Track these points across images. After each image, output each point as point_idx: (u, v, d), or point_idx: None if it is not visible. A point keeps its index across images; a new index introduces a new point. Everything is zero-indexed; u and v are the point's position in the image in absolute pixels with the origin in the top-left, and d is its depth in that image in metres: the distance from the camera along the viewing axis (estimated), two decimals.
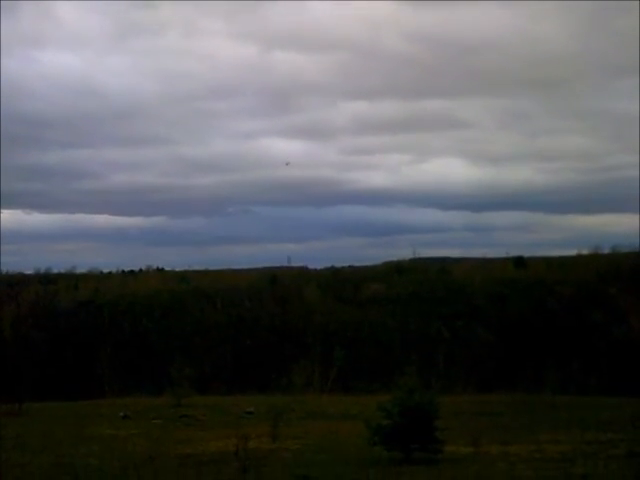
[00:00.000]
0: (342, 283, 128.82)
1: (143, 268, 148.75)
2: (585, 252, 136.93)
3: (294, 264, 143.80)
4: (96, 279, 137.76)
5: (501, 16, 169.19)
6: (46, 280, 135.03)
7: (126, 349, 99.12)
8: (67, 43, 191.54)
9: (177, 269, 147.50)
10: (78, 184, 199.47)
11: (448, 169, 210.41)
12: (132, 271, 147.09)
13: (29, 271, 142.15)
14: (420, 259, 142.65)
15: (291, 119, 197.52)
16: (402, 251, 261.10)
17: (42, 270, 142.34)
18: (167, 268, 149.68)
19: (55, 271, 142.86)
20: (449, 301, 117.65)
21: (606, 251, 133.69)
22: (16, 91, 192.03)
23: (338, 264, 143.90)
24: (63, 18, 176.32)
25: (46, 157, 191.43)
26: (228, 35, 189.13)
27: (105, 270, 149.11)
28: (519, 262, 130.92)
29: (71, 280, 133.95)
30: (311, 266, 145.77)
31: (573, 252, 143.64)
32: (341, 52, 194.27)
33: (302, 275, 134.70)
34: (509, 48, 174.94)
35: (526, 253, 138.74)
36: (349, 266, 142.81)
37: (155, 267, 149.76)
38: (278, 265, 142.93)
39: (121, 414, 31.98)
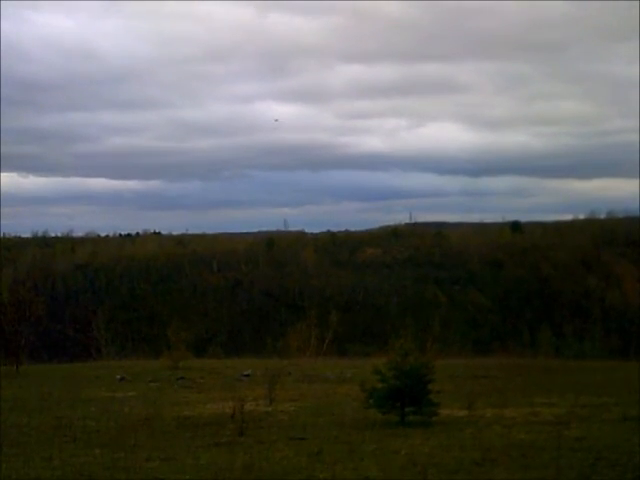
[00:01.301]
0: (339, 247, 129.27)
1: (140, 232, 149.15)
2: (581, 217, 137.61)
3: (291, 228, 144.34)
4: (93, 242, 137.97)
5: None
6: (43, 243, 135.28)
7: (123, 312, 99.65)
8: (62, 4, 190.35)
9: (174, 233, 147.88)
10: (74, 147, 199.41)
11: (445, 134, 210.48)
12: (129, 235, 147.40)
13: (26, 234, 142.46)
14: (416, 224, 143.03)
15: (287, 82, 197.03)
16: (399, 216, 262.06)
17: (39, 233, 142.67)
18: (164, 232, 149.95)
19: (52, 234, 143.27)
20: (445, 266, 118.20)
21: (602, 216, 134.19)
22: (11, 53, 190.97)
23: (335, 228, 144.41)
24: None
25: (42, 120, 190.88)
26: None
27: (102, 233, 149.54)
28: (515, 227, 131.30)
29: (68, 243, 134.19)
30: (308, 230, 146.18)
31: (569, 217, 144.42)
32: (338, 15, 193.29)
33: (299, 239, 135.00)
34: (507, 12, 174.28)
35: (522, 218, 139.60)
36: (345, 230, 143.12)
37: (152, 231, 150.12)
38: (275, 229, 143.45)
39: (118, 376, 32.13)
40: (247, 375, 32.10)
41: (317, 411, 21.61)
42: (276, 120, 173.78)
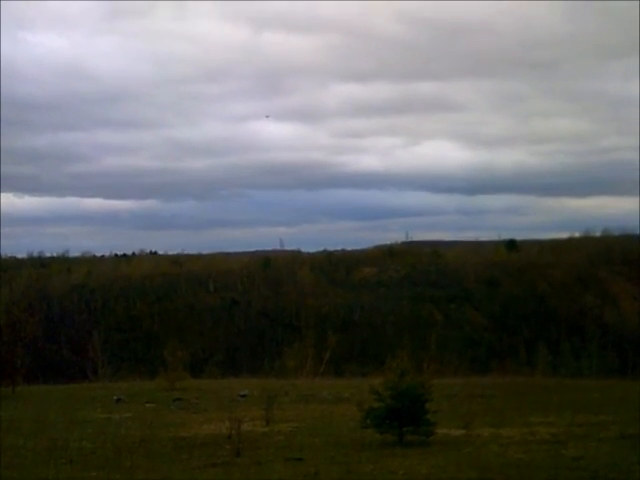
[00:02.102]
0: (335, 267, 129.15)
1: (136, 252, 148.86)
2: (577, 235, 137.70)
3: (287, 248, 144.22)
4: (89, 263, 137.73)
5: None
6: (39, 264, 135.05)
7: (119, 332, 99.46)
8: (56, 24, 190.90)
9: (170, 253, 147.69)
10: (69, 167, 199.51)
11: (440, 152, 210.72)
12: (125, 255, 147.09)
13: (22, 255, 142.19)
14: (412, 242, 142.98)
15: (283, 101, 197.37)
16: (394, 234, 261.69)
17: (35, 254, 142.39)
18: (160, 252, 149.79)
19: (48, 255, 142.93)
20: (441, 284, 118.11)
21: (598, 234, 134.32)
22: (5, 73, 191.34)
23: (331, 247, 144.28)
24: None
25: (37, 140, 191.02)
26: (219, 16, 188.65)
27: (98, 254, 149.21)
28: (511, 245, 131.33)
29: (64, 264, 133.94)
30: (304, 249, 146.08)
31: (565, 235, 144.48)
32: (333, 34, 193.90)
33: (295, 259, 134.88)
34: (502, 29, 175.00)
35: (518, 236, 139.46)
36: (342, 249, 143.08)
37: (148, 251, 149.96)
38: (271, 249, 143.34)
39: (114, 397, 32.05)
40: (244, 395, 32.03)
41: (314, 431, 21.57)
42: (267, 116, 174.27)
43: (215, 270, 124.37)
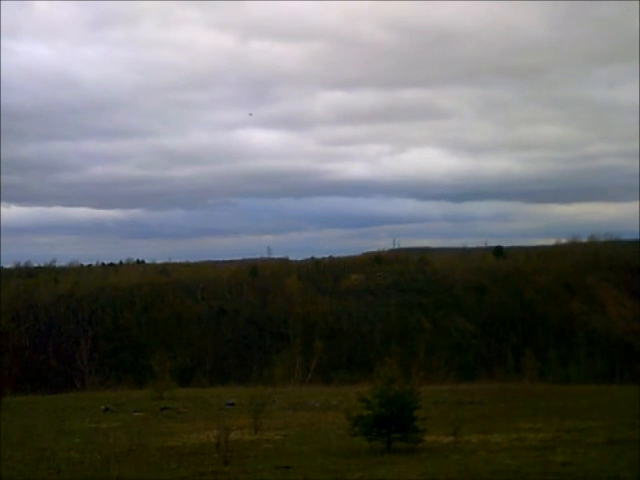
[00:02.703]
0: (322, 274, 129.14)
1: (123, 261, 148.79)
2: (563, 241, 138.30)
3: (274, 255, 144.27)
4: (76, 272, 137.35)
5: (479, 5, 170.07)
6: (26, 273, 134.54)
7: (107, 342, 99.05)
8: (42, 33, 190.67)
9: (157, 261, 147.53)
10: (56, 177, 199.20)
11: (427, 159, 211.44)
12: (112, 264, 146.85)
13: (9, 265, 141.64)
14: (400, 249, 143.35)
15: (269, 109, 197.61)
16: (382, 242, 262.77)
17: (22, 264, 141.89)
18: (147, 261, 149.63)
19: (35, 264, 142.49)
20: (429, 291, 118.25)
21: (584, 240, 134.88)
22: None
23: (318, 255, 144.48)
24: (38, 8, 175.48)
25: (23, 149, 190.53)
26: (205, 24, 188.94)
27: (85, 263, 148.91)
28: (498, 252, 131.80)
29: (51, 273, 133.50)
30: (292, 257, 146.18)
31: (551, 241, 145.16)
32: (319, 41, 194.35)
33: (283, 267, 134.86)
34: (487, 36, 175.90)
35: (505, 243, 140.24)
36: (329, 257, 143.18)
37: (135, 260, 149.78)
38: (259, 257, 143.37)
39: (102, 407, 31.96)
40: (232, 404, 31.99)
41: (302, 439, 21.55)
42: (250, 114, 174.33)
43: (203, 279, 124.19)
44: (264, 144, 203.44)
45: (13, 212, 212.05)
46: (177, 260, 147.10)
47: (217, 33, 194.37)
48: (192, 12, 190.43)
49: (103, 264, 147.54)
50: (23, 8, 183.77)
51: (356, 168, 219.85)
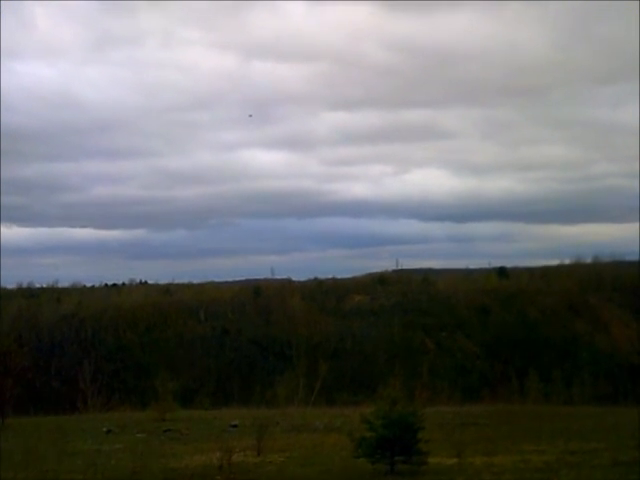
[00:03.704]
0: (325, 295, 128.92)
1: (126, 282, 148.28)
2: (567, 262, 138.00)
3: (277, 276, 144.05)
4: (79, 293, 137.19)
5: (481, 25, 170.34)
6: (28, 294, 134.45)
7: (109, 363, 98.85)
8: (44, 53, 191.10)
9: (160, 282, 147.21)
10: (59, 197, 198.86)
11: (430, 180, 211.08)
12: (115, 285, 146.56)
13: (11, 285, 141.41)
14: (403, 270, 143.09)
15: (272, 130, 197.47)
16: (385, 262, 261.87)
17: (24, 284, 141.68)
18: (150, 281, 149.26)
19: (38, 285, 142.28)
20: (432, 312, 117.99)
21: (588, 261, 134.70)
22: None
23: (321, 276, 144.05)
24: (39, 28, 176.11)
25: (26, 170, 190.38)
26: (207, 45, 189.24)
27: (88, 284, 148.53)
28: (502, 272, 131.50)
29: (53, 294, 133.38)
30: (295, 278, 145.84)
31: (555, 262, 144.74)
32: (321, 62, 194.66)
33: (285, 287, 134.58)
34: (490, 57, 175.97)
35: (508, 263, 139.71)
36: (332, 278, 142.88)
37: (138, 280, 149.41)
38: (261, 277, 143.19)
39: (104, 429, 31.86)
40: (235, 425, 31.87)
41: (306, 461, 21.45)
42: (250, 115, 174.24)
43: (205, 299, 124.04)
44: (267, 164, 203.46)
45: (15, 233, 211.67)
46: (180, 280, 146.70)
47: (219, 54, 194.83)
48: (194, 33, 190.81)
49: (106, 285, 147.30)
50: (25, 28, 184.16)
51: (359, 188, 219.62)
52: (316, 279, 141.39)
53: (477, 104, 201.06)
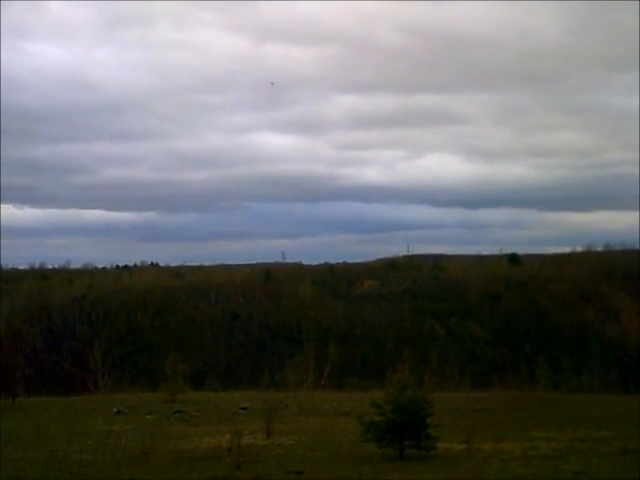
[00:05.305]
0: (336, 279, 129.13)
1: (137, 263, 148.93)
2: (579, 250, 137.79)
3: (288, 260, 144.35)
4: (90, 274, 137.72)
5: (495, 9, 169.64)
6: (40, 275, 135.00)
7: (120, 344, 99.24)
8: (55, 34, 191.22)
9: (171, 264, 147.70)
10: (70, 179, 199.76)
11: (442, 165, 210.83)
12: (126, 266, 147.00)
13: (23, 266, 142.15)
14: (414, 256, 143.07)
15: (284, 113, 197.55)
16: (396, 248, 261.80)
17: (36, 265, 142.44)
18: (161, 263, 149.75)
19: (49, 266, 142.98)
20: (443, 298, 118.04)
21: (600, 249, 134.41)
22: (5, 83, 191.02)
23: (332, 260, 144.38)
24: (51, 8, 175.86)
25: (37, 151, 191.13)
26: (220, 27, 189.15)
27: (99, 265, 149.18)
28: (513, 259, 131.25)
29: (65, 275, 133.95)
30: (305, 262, 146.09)
31: (567, 249, 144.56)
32: (334, 45, 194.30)
33: (296, 271, 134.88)
34: (504, 42, 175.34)
35: (520, 250, 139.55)
36: (343, 262, 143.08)
37: (149, 262, 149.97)
38: (272, 261, 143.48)
39: (115, 409, 31.97)
40: (244, 408, 31.94)
41: (314, 445, 21.49)
42: (272, 83, 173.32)
43: (216, 282, 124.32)
44: (278, 148, 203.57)
45: (27, 214, 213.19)
46: (191, 263, 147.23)
47: (232, 35, 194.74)
48: (207, 14, 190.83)
49: (117, 266, 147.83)
50: (37, 9, 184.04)
51: (371, 173, 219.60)
52: (327, 264, 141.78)
53: (490, 89, 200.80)
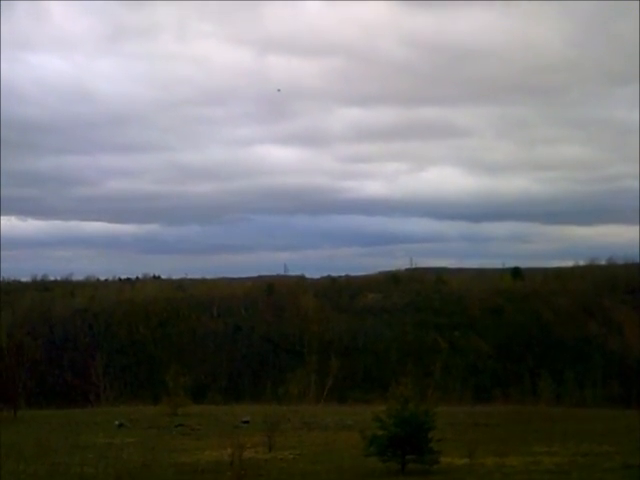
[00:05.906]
0: (339, 292, 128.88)
1: (139, 276, 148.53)
2: (581, 263, 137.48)
3: (291, 273, 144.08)
4: (92, 286, 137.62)
5: (498, 22, 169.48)
6: (42, 287, 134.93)
7: (122, 357, 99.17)
8: (57, 46, 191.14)
9: (173, 277, 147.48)
10: (72, 191, 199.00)
11: (445, 178, 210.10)
12: (128, 279, 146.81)
13: (25, 278, 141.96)
14: (416, 269, 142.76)
15: (287, 125, 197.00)
16: (398, 261, 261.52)
17: (38, 277, 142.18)
18: (163, 276, 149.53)
19: (51, 278, 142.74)
20: (446, 311, 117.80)
21: (602, 262, 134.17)
22: (7, 94, 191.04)
23: (335, 273, 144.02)
24: (53, 20, 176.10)
25: (40, 163, 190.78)
26: (222, 38, 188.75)
27: (101, 278, 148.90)
28: (516, 273, 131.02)
29: (67, 287, 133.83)
30: (308, 275, 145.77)
31: (570, 263, 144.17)
32: (337, 57, 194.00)
33: (299, 284, 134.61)
34: (507, 55, 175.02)
35: (522, 264, 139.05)
36: (345, 275, 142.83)
37: (151, 275, 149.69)
38: (275, 274, 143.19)
39: (116, 422, 31.95)
40: (246, 422, 31.89)
41: (316, 459, 21.44)
42: (279, 90, 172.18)
43: (218, 295, 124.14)
44: (281, 160, 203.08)
45: (29, 225, 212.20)
46: (193, 276, 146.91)
47: (234, 48, 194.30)
48: (209, 26, 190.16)
49: (119, 279, 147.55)
50: (39, 20, 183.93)
51: (373, 186, 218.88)
52: (329, 276, 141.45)
53: (493, 102, 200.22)
